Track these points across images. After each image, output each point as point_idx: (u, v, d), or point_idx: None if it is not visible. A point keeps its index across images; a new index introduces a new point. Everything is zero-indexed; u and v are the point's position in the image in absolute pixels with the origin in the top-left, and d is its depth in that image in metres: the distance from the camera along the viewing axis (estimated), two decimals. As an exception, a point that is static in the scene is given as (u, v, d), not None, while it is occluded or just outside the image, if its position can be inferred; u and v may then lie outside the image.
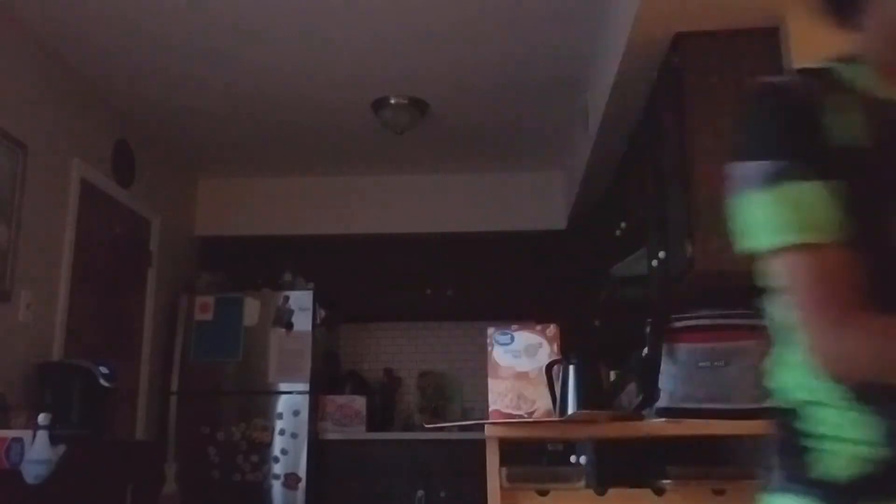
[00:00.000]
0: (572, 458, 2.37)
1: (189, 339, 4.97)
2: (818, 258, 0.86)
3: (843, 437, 0.87)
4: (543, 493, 2.18)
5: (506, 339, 2.31)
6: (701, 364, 2.31)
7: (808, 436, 0.89)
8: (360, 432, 4.98)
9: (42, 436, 2.89)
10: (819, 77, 0.96)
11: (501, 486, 2.14)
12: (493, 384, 2.28)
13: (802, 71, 0.98)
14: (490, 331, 2.33)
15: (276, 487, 4.72)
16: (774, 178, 0.89)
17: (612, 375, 3.01)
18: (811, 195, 0.87)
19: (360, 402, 5.07)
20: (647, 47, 3.07)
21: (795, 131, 0.89)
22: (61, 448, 2.94)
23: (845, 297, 0.85)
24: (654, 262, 3.30)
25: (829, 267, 0.86)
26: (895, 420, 0.84)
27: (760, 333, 2.29)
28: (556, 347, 2.75)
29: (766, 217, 0.90)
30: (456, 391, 5.56)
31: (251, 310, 4.97)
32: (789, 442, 0.92)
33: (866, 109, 0.92)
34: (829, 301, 0.85)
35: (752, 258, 0.96)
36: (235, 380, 4.89)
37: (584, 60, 3.95)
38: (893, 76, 0.94)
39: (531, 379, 2.28)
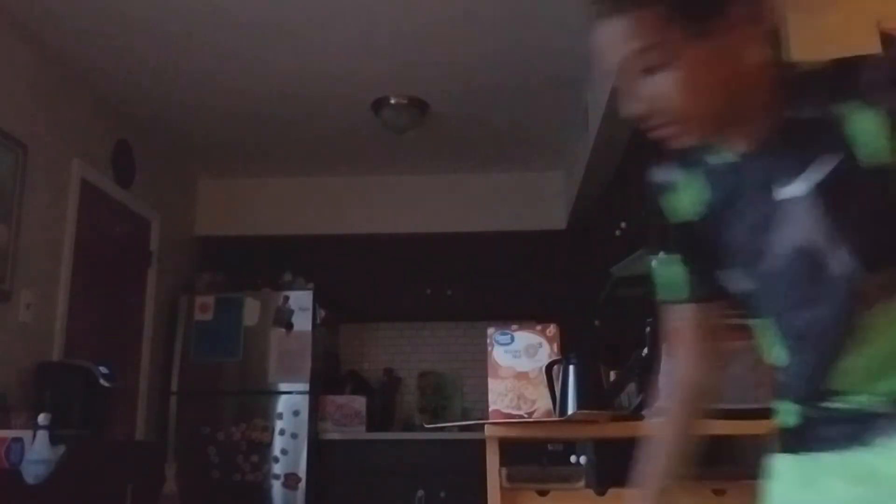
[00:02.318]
0: (572, 458, 2.37)
1: (189, 339, 4.97)
2: (668, 312, 1.21)
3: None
4: (543, 494, 2.18)
5: (506, 339, 2.31)
6: (701, 364, 2.31)
7: None
8: (360, 432, 4.98)
9: (42, 436, 2.89)
10: (684, 156, 1.12)
11: (501, 487, 2.14)
12: (493, 384, 2.28)
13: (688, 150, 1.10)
14: (490, 331, 2.33)
15: (276, 487, 4.72)
16: (648, 253, 1.22)
17: (612, 375, 3.01)
18: (660, 265, 1.17)
19: (360, 403, 5.07)
20: (647, 47, 3.06)
21: (652, 217, 1.15)
22: (61, 448, 2.94)
23: (675, 341, 1.19)
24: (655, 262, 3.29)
25: (672, 318, 1.19)
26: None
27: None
28: (555, 347, 2.74)
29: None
30: (456, 391, 5.56)
31: (251, 310, 4.97)
32: None
33: (711, 180, 1.07)
34: (668, 343, 1.21)
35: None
36: (235, 380, 4.89)
37: (584, 60, 3.94)
38: (729, 135, 1.03)
39: (531, 379, 2.28)
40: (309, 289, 5.02)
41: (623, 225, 4.00)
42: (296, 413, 4.78)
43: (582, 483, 2.21)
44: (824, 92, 0.96)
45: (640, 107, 0.99)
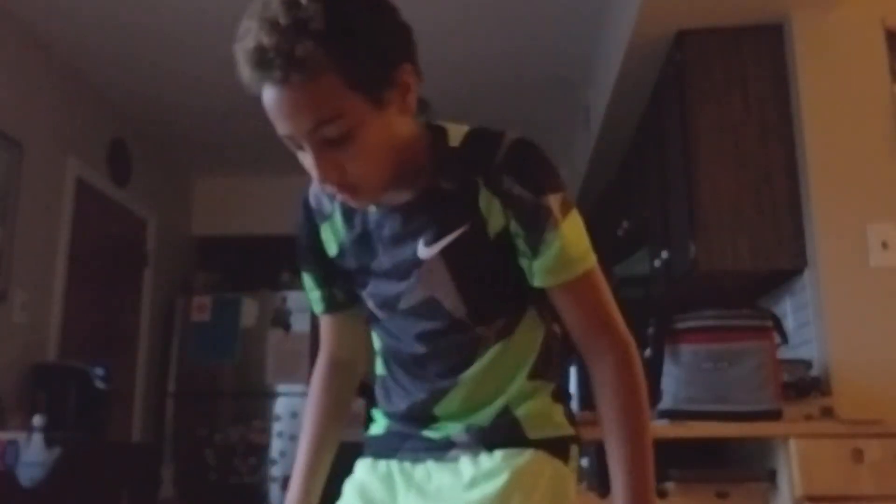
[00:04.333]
0: (574, 461, 2.34)
1: (186, 340, 4.94)
2: (320, 319, 1.31)
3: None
4: (545, 497, 2.15)
5: (507, 340, 2.28)
6: (704, 365, 2.29)
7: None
8: (359, 434, 4.92)
9: (37, 438, 2.87)
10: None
11: (502, 489, 2.11)
12: (493, 386, 2.25)
13: None
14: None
15: (274, 490, 4.69)
16: (295, 270, 1.33)
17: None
18: (304, 280, 1.27)
19: (359, 405, 5.03)
20: (649, 45, 3.04)
21: (301, 240, 1.27)
22: (56, 450, 2.91)
23: (323, 351, 1.32)
24: (657, 262, 3.27)
25: (322, 326, 1.31)
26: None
27: (764, 335, 2.28)
28: (557, 348, 2.72)
29: None
30: (455, 392, 5.53)
31: (249, 310, 4.94)
32: None
33: (347, 222, 1.16)
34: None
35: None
36: (233, 381, 4.86)
37: (585, 59, 3.93)
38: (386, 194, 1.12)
39: (533, 380, 2.24)
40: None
41: (625, 225, 3.98)
42: (294, 415, 4.75)
43: (584, 485, 2.18)
44: (464, 169, 1.07)
45: (329, 174, 0.99)
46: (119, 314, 4.62)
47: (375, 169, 1.01)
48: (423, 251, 1.08)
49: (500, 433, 1.10)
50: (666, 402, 2.30)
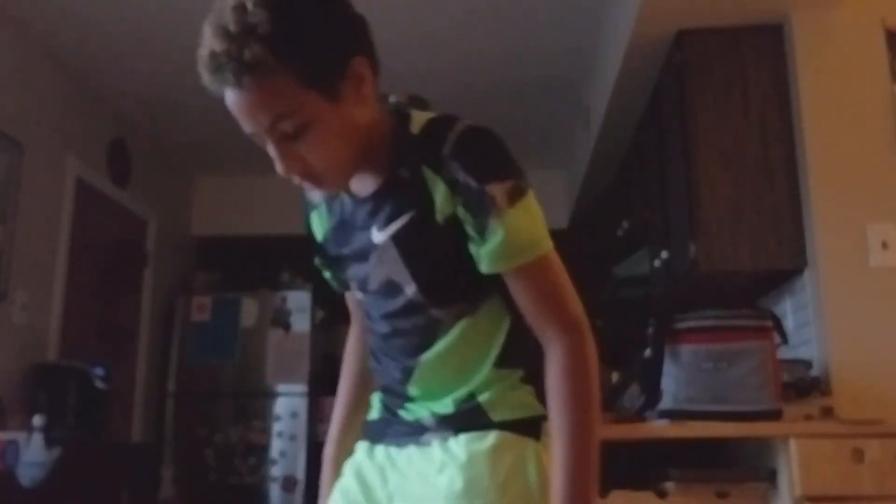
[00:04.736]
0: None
1: (186, 340, 4.94)
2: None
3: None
4: (545, 497, 2.15)
5: (507, 340, 2.28)
6: (704, 365, 2.29)
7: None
8: (358, 434, 4.94)
9: (37, 438, 2.87)
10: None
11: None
12: (493, 386, 2.25)
13: None
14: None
15: (274, 490, 4.68)
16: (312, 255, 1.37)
17: (615, 377, 2.98)
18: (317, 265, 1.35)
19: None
20: (649, 45, 3.03)
21: (305, 227, 1.33)
22: (57, 450, 2.91)
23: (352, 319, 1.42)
24: (657, 262, 3.27)
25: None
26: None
27: (764, 335, 2.28)
28: (557, 348, 2.71)
29: None
30: (455, 392, 5.53)
31: (249, 310, 4.94)
32: None
33: (331, 211, 1.23)
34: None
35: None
36: (233, 381, 4.86)
37: (585, 58, 3.92)
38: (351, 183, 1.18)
39: (532, 380, 2.24)
40: (307, 289, 4.98)
41: (625, 224, 3.98)
42: (294, 415, 4.74)
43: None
44: (418, 156, 1.10)
45: (291, 166, 1.04)
46: (119, 314, 4.61)
47: (335, 158, 1.06)
48: (377, 236, 1.14)
49: (465, 418, 1.13)
50: (666, 402, 2.30)
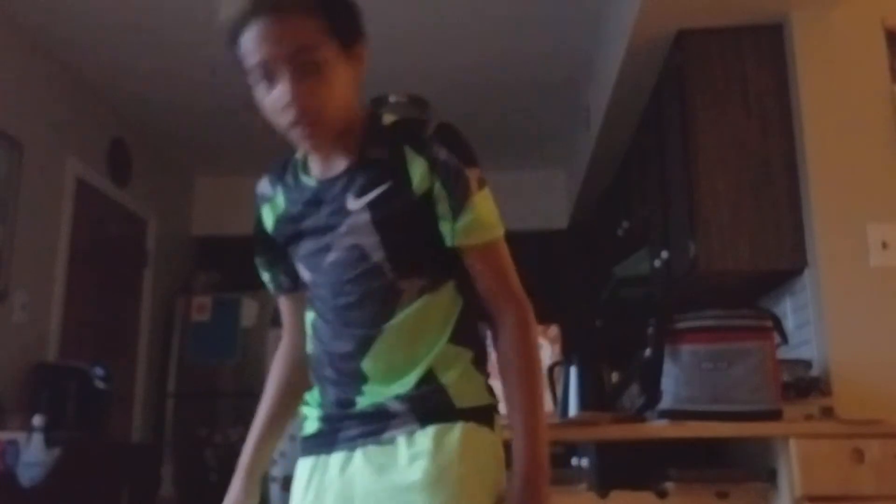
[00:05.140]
0: (574, 461, 2.34)
1: (186, 341, 4.94)
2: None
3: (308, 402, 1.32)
4: (545, 497, 2.14)
5: (507, 340, 2.28)
6: (704, 365, 2.28)
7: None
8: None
9: (37, 438, 2.87)
10: (283, 169, 1.33)
11: (502, 490, 2.11)
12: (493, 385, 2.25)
13: (285, 163, 1.34)
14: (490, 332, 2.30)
15: (274, 490, 4.68)
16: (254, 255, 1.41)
17: (614, 377, 2.98)
18: (258, 265, 1.40)
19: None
20: (649, 45, 3.03)
21: (253, 223, 1.38)
22: (56, 451, 2.91)
23: (283, 330, 1.43)
24: (657, 262, 3.27)
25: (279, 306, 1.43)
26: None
27: (764, 335, 2.27)
28: (557, 349, 2.72)
29: None
30: (455, 392, 5.53)
31: (249, 310, 4.93)
32: None
33: (288, 196, 1.29)
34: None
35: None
36: (233, 381, 4.86)
37: (585, 58, 3.92)
38: (313, 166, 1.27)
39: (532, 380, 2.24)
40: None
41: (625, 224, 3.98)
42: (294, 415, 4.74)
43: (584, 486, 2.18)
44: (392, 140, 1.22)
45: (298, 95, 1.13)
46: (119, 314, 4.61)
47: (334, 105, 1.16)
48: (352, 203, 1.21)
49: (431, 403, 1.17)
50: (666, 402, 2.29)
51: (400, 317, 1.19)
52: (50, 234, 3.90)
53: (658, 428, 2.25)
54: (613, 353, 3.47)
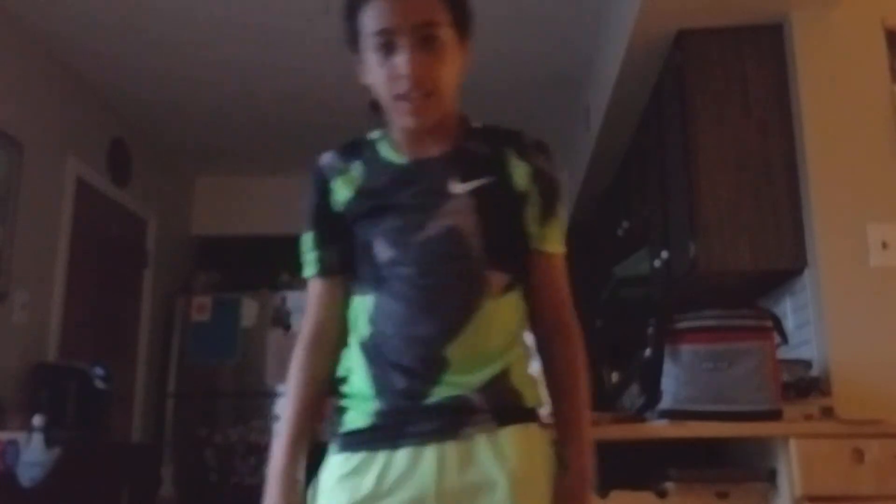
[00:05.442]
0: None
1: (186, 341, 4.94)
2: (308, 286, 1.35)
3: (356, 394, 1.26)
4: (545, 497, 2.14)
5: (507, 340, 2.28)
6: (704, 365, 2.28)
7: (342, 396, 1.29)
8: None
9: (37, 438, 2.87)
10: (355, 147, 1.33)
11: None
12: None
13: (355, 142, 1.35)
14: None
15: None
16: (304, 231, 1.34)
17: (615, 377, 2.98)
18: (303, 242, 1.33)
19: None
20: (649, 45, 3.03)
21: (309, 199, 1.32)
22: (56, 451, 2.91)
23: (308, 318, 1.36)
24: (657, 262, 3.27)
25: (310, 292, 1.35)
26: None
27: (764, 335, 2.27)
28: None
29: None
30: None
31: (249, 310, 4.94)
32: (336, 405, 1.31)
33: (369, 170, 1.28)
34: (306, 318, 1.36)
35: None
36: (233, 381, 4.86)
37: (585, 58, 3.92)
38: (403, 145, 1.29)
39: (532, 380, 2.24)
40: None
41: (625, 224, 3.98)
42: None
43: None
44: (491, 140, 1.30)
45: (416, 67, 1.18)
46: (119, 314, 4.61)
47: (446, 85, 1.23)
48: (456, 187, 1.24)
49: (507, 401, 1.19)
50: (666, 402, 2.29)
51: (489, 307, 1.20)
52: (50, 234, 3.90)
53: (658, 428, 2.25)
54: (613, 353, 3.47)
